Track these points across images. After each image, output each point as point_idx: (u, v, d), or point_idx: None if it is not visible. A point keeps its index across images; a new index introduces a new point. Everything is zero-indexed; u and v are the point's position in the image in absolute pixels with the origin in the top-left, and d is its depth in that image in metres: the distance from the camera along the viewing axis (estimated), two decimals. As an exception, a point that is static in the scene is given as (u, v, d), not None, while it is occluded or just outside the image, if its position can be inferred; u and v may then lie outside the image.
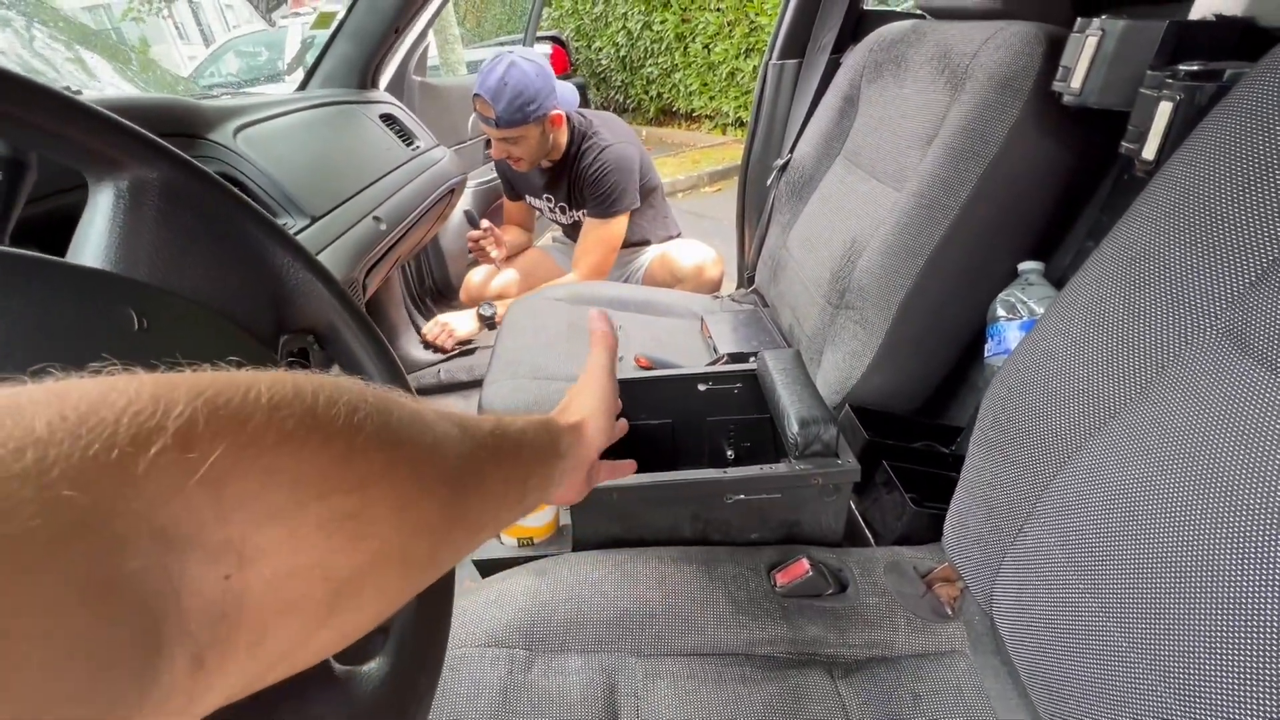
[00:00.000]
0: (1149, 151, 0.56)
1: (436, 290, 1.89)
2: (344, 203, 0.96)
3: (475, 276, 1.76)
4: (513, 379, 1.08)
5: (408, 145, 1.30)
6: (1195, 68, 0.55)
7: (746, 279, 1.54)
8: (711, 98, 5.38)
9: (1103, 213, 0.77)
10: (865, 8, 1.28)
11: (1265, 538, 0.37)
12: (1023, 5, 0.80)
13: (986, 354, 0.82)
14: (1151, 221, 0.49)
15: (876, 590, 0.67)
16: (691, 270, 1.60)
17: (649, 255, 1.70)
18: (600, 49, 6.59)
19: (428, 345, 1.68)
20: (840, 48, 1.29)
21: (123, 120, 0.32)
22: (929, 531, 0.75)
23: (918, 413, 0.97)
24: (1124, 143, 0.60)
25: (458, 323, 1.64)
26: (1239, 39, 0.59)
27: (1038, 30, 0.76)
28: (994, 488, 0.59)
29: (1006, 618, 0.59)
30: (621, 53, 6.28)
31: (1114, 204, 0.75)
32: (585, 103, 6.08)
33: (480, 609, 0.64)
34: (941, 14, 0.96)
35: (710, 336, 1.25)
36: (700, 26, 5.11)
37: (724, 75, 5.10)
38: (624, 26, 6.06)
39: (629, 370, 1.14)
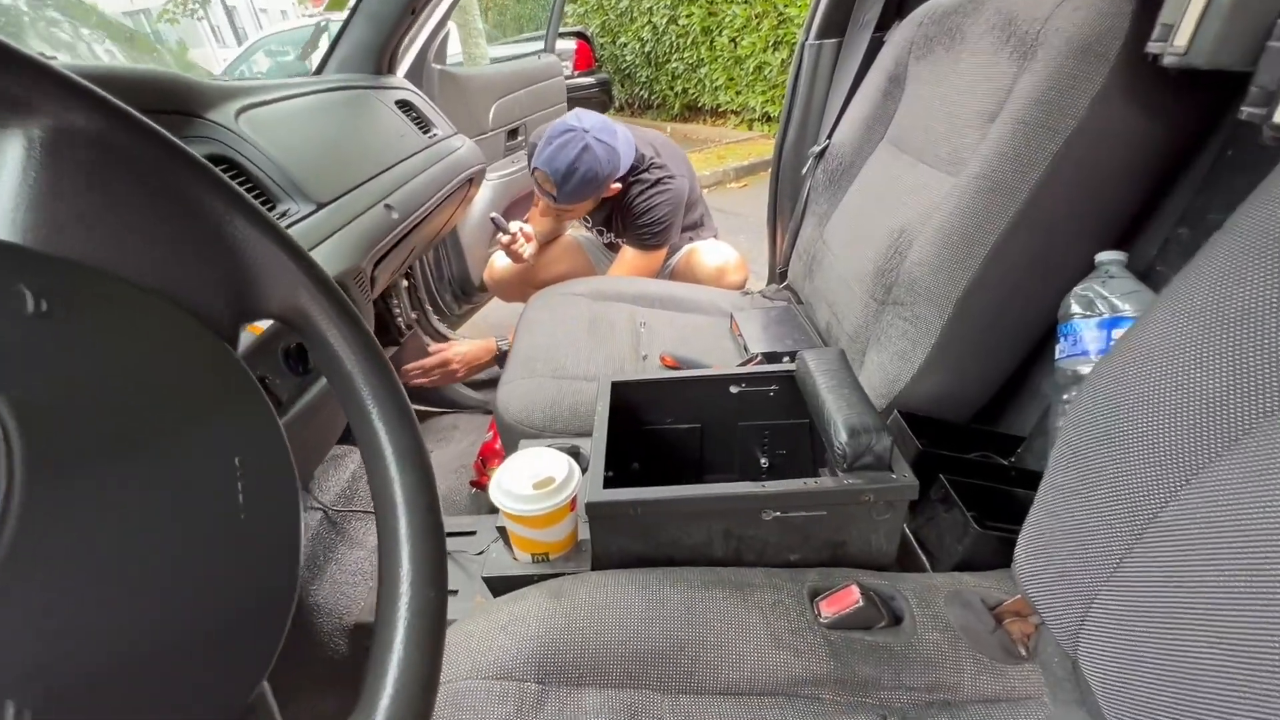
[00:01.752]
0: (1283, 115, 0.47)
1: (455, 285, 1.83)
2: (353, 189, 0.91)
3: (499, 260, 1.69)
4: (530, 377, 1.02)
5: (424, 132, 1.24)
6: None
7: (779, 274, 1.45)
8: (738, 92, 5.28)
9: (1199, 194, 0.68)
10: (913, -20, 1.19)
11: None
12: (1104, -39, 0.70)
13: (1058, 356, 0.73)
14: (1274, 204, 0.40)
15: (937, 624, 0.59)
16: (713, 271, 1.52)
17: (678, 254, 1.63)
18: (625, 44, 6.52)
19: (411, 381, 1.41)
20: (884, 25, 1.19)
21: (36, 56, 0.26)
22: (994, 556, 0.66)
23: (973, 420, 0.88)
24: (1246, 107, 0.51)
25: (461, 350, 1.42)
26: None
27: (1124, -13, 0.67)
28: (1084, 511, 0.50)
29: (1097, 663, 0.50)
30: (646, 48, 6.21)
31: (1216, 183, 0.65)
32: (610, 100, 6.03)
33: (488, 635, 0.57)
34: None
35: (740, 335, 1.17)
36: (727, 20, 5.02)
37: (751, 69, 5.00)
38: (649, 21, 5.99)
39: (654, 371, 1.06)
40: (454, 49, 3.35)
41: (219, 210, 0.32)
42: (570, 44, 5.54)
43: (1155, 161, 0.69)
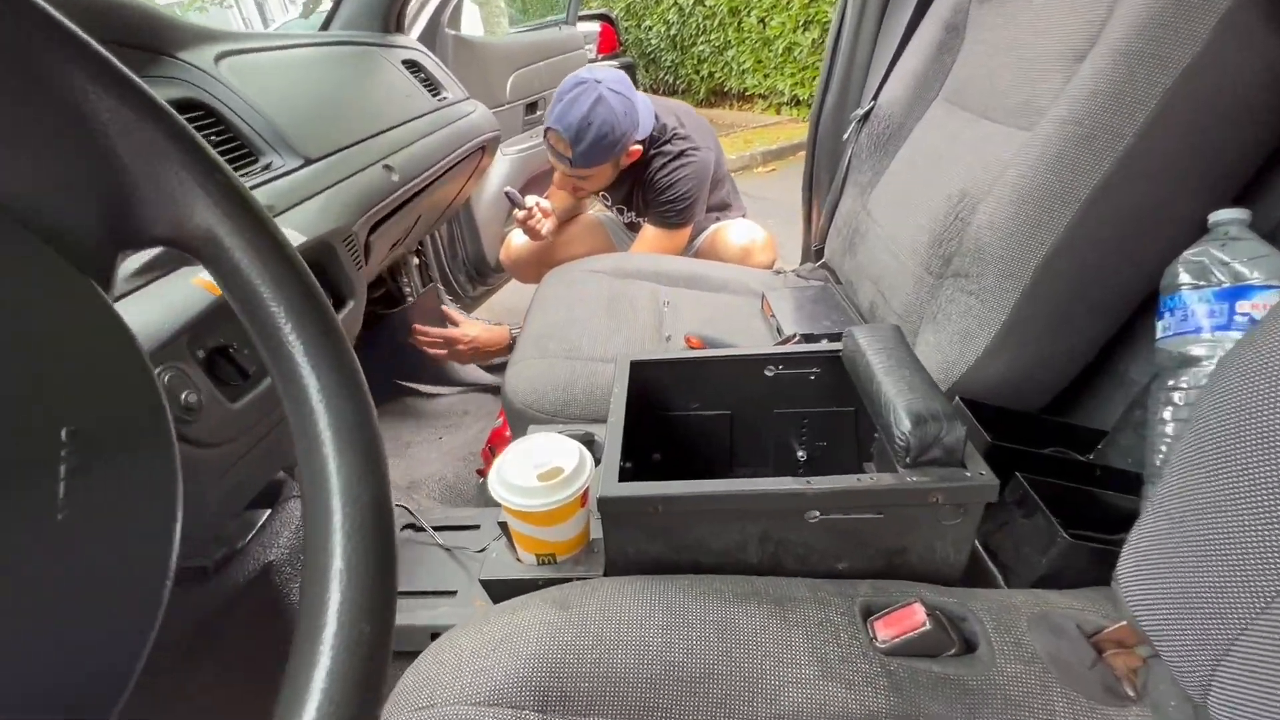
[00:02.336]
0: None
1: (470, 265, 1.75)
2: (348, 147, 0.83)
3: (516, 239, 1.60)
4: (542, 358, 0.93)
5: (434, 95, 1.16)
6: None
7: (814, 253, 1.34)
8: (766, 75, 5.13)
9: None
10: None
11: None
12: None
13: (1160, 335, 0.61)
14: None
15: (1019, 654, 0.48)
16: (739, 251, 1.42)
17: (704, 234, 1.52)
18: (650, 27, 6.39)
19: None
20: (940, -32, 1.07)
21: None
22: (1085, 572, 0.55)
23: (1044, 410, 0.77)
24: None
25: (474, 332, 1.32)
26: None
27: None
28: (1218, 528, 0.40)
29: (1235, 714, 0.39)
30: (672, 31, 6.07)
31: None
32: (634, 84, 5.93)
33: (481, 652, 0.48)
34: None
35: (774, 315, 1.07)
36: (754, 1, 4.85)
37: (780, 51, 4.83)
38: (675, 3, 5.85)
39: (678, 351, 0.97)
40: (477, 30, 3.26)
41: (91, 92, 0.23)
42: (594, 26, 5.42)
43: (1289, 99, 0.57)
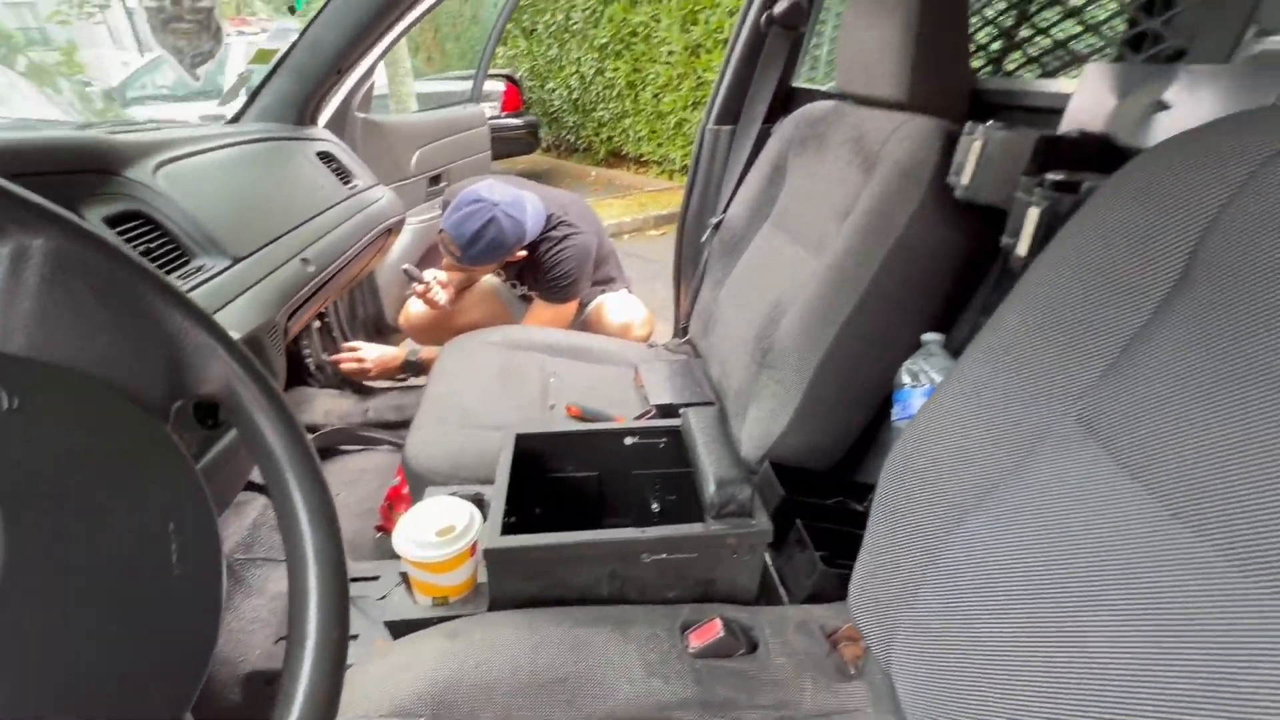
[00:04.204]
0: (1022, 249, 0.62)
1: (369, 326, 1.84)
2: (270, 243, 0.94)
3: (414, 306, 1.73)
4: (440, 425, 1.07)
5: (345, 184, 1.29)
6: (1060, 177, 0.62)
7: (681, 329, 1.58)
8: (660, 144, 5.56)
9: (993, 293, 0.85)
10: (793, 84, 1.38)
11: (1106, 614, 0.41)
12: (925, 102, 0.88)
13: (893, 418, 0.87)
14: (1021, 314, 0.55)
15: (786, 650, 0.69)
16: (619, 328, 1.64)
17: (590, 305, 1.73)
18: (553, 90, 6.73)
19: (339, 376, 1.61)
20: (771, 119, 1.37)
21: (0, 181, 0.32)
22: (838, 590, 0.78)
23: (834, 469, 1.02)
24: (1004, 237, 0.67)
25: (374, 355, 1.56)
26: (1098, 153, 0.67)
27: (937, 126, 0.84)
28: (891, 551, 0.63)
29: (903, 679, 0.61)
30: (574, 95, 6.43)
31: (1002, 286, 0.83)
32: (536, 141, 6.12)
33: (385, 676, 0.62)
34: (858, 100, 1.04)
35: (643, 386, 1.28)
36: (650, 77, 5.31)
37: (672, 124, 5.29)
38: (577, 70, 6.23)
39: (560, 422, 1.14)
40: (381, 82, 3.36)
41: (159, 306, 0.38)
42: (499, 86, 5.68)
43: (962, 264, 0.86)
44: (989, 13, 0.99)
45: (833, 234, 0.96)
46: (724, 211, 1.39)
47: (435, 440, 1.03)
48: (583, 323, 1.72)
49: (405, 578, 0.77)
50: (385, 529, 1.17)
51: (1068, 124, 0.74)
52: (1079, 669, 0.42)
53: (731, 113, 1.40)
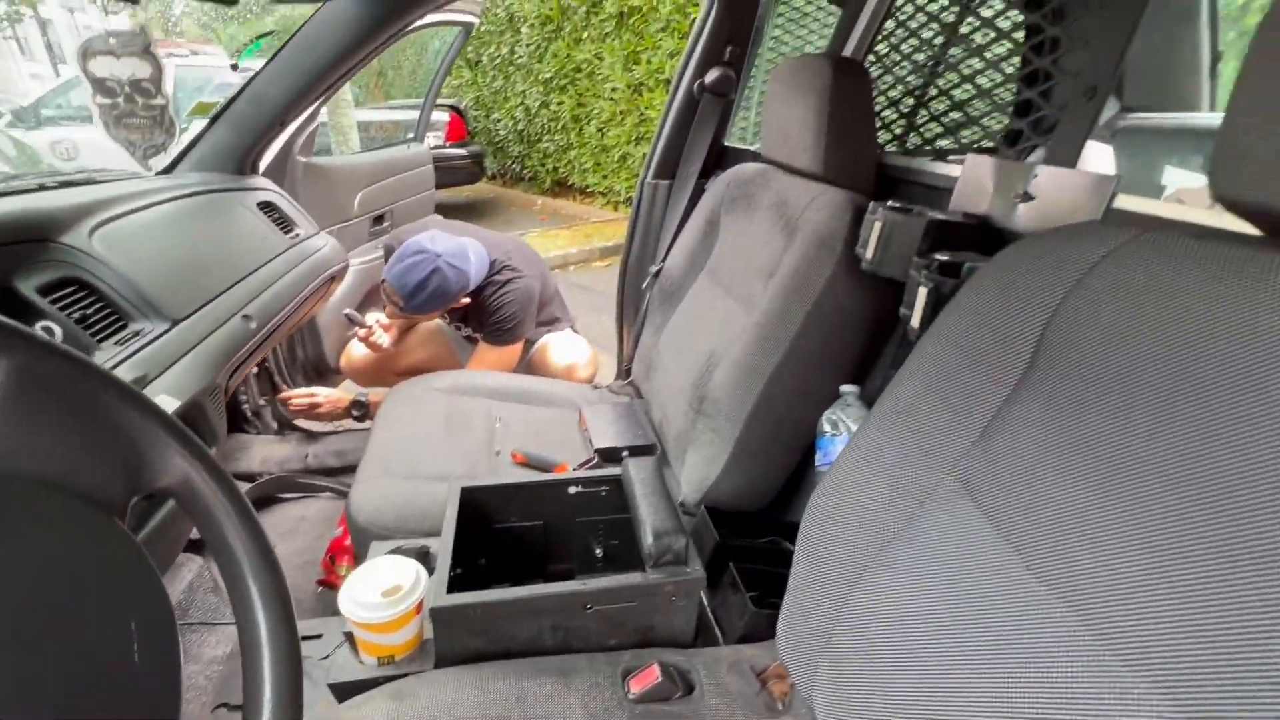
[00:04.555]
0: (915, 322, 0.71)
1: (309, 368, 1.82)
2: (211, 301, 0.95)
3: (356, 349, 1.72)
4: (385, 477, 1.08)
5: (286, 233, 1.29)
6: (946, 258, 0.71)
7: (624, 370, 1.64)
8: (605, 176, 5.68)
9: (899, 349, 0.94)
10: (726, 144, 1.48)
11: (984, 657, 0.48)
12: (837, 175, 0.98)
13: (816, 464, 0.95)
14: (912, 381, 0.63)
15: (720, 690, 0.74)
16: (563, 369, 1.67)
17: (535, 346, 1.76)
18: (499, 120, 6.78)
19: (288, 415, 1.60)
20: (705, 174, 1.46)
21: None
22: (769, 628, 0.83)
23: (766, 509, 1.09)
24: (902, 309, 0.75)
25: (325, 398, 1.58)
26: (979, 234, 0.77)
27: (848, 199, 0.93)
28: (810, 594, 0.69)
29: (824, 714, 0.67)
30: (519, 126, 6.50)
31: (906, 344, 0.92)
32: (481, 170, 6.13)
33: (331, 741, 0.63)
34: (780, 167, 1.14)
35: (587, 429, 1.32)
36: (595, 112, 5.44)
37: (617, 157, 5.42)
38: (522, 103, 6.31)
39: (506, 469, 1.17)
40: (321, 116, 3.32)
41: (116, 407, 0.41)
42: (444, 116, 5.69)
43: (872, 323, 0.95)
44: (893, 94, 1.11)
45: (760, 291, 1.04)
46: (663, 261, 1.47)
47: (380, 493, 1.04)
48: (528, 363, 1.76)
49: (350, 637, 0.78)
50: (328, 583, 1.16)
51: (955, 203, 0.84)
52: (962, 711, 0.48)
53: (668, 168, 1.49)
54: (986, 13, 0.92)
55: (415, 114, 2.49)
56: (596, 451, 1.21)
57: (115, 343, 0.78)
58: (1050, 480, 0.49)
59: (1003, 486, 0.52)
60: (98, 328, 0.77)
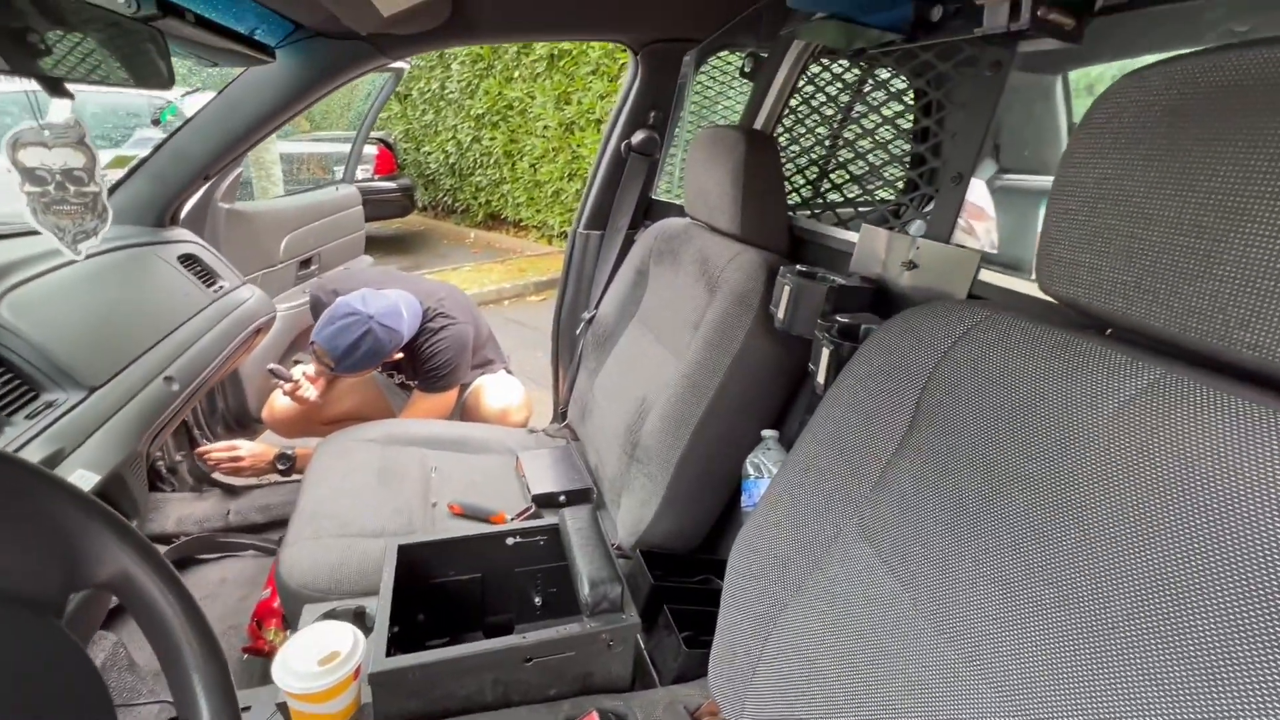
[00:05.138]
0: (820, 379, 0.79)
1: (230, 419, 1.75)
2: (129, 366, 0.92)
3: (280, 400, 1.67)
4: (316, 538, 1.06)
5: (209, 286, 1.26)
6: (846, 321, 0.80)
7: (560, 413, 1.67)
8: (538, 210, 5.73)
9: (812, 396, 1.03)
10: (653, 197, 1.57)
11: (881, 693, 0.54)
12: (752, 236, 1.07)
13: (743, 505, 1.01)
14: (818, 436, 0.70)
15: (656, 733, 0.78)
16: (497, 413, 1.69)
17: (469, 389, 1.77)
18: (429, 153, 6.74)
19: (207, 470, 1.53)
20: (634, 225, 1.54)
21: None
22: (702, 667, 0.88)
23: (699, 549, 1.14)
24: (810, 365, 0.84)
25: (248, 452, 1.50)
26: (874, 297, 0.87)
27: (763, 260, 1.02)
28: (736, 633, 0.74)
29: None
30: (451, 160, 6.48)
31: (818, 395, 1.01)
32: (412, 204, 6.06)
33: (266, 821, 0.62)
34: (702, 224, 1.22)
35: (524, 475, 1.34)
36: (527, 148, 5.51)
37: (550, 192, 5.49)
38: (454, 137, 6.31)
39: (442, 520, 1.17)
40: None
41: (51, 505, 0.41)
42: (372, 149, 5.61)
43: (789, 373, 1.04)
44: (800, 163, 1.23)
45: (687, 341, 1.11)
46: (596, 308, 1.52)
47: (312, 553, 1.02)
48: (462, 406, 1.76)
49: (283, 708, 0.77)
50: (255, 649, 1.12)
51: (854, 266, 0.95)
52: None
53: (599, 220, 1.56)
54: (876, 100, 1.05)
55: (342, 147, 2.47)
56: (534, 499, 1.23)
57: (26, 416, 0.75)
58: (927, 527, 0.56)
59: (892, 532, 0.60)
60: (6, 401, 0.74)
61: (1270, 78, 0.36)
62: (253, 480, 1.59)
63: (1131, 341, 0.48)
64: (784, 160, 1.24)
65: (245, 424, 1.77)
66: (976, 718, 0.45)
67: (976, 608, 0.49)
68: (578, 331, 1.56)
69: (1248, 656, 0.33)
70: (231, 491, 1.56)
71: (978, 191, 1.43)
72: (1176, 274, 0.40)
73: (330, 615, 0.88)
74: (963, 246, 0.80)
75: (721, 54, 1.38)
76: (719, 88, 1.43)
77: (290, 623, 1.03)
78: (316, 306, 1.68)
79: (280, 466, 1.51)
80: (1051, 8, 0.61)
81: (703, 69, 1.43)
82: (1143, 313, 0.43)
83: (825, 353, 0.78)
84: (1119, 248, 0.44)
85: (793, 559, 0.68)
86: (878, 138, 1.01)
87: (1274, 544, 0.34)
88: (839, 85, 1.12)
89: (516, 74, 5.45)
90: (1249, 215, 0.36)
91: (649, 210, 1.56)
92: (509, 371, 1.86)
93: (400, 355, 1.52)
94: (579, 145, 5.10)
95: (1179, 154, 0.40)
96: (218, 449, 1.49)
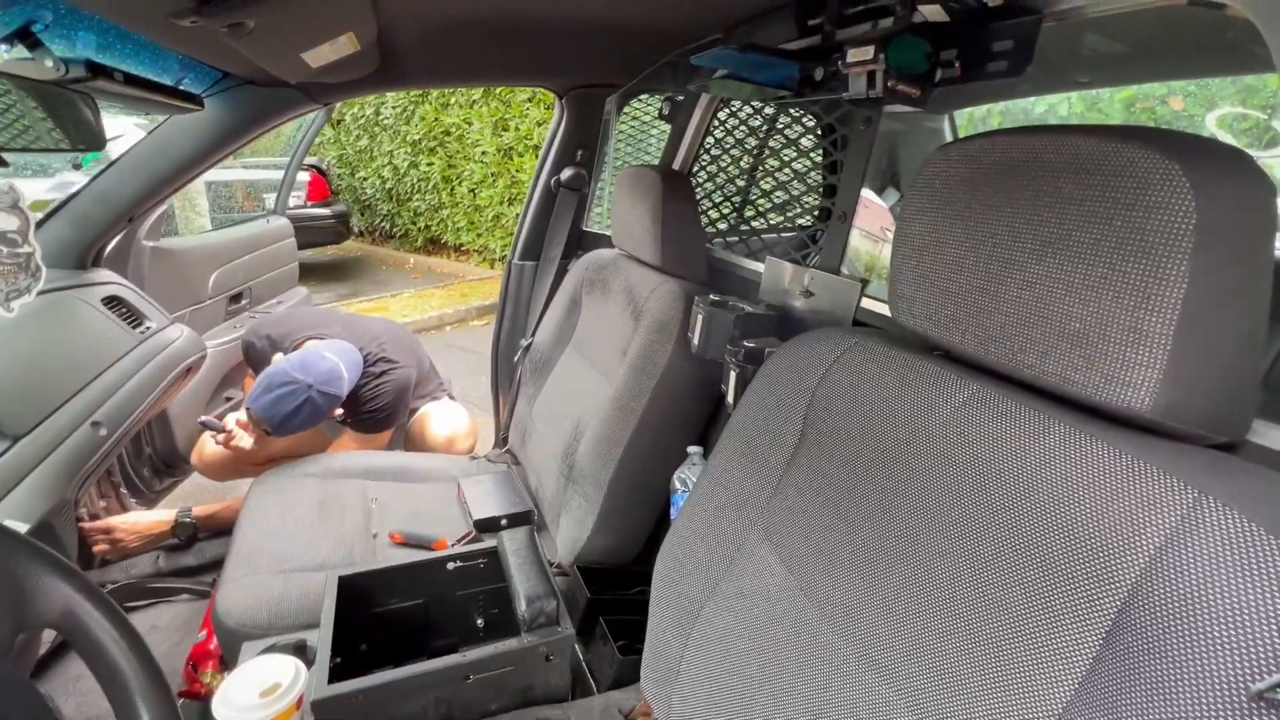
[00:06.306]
0: (730, 399, 0.88)
1: (158, 460, 1.70)
2: (54, 412, 0.92)
3: (210, 444, 1.63)
4: (253, 575, 1.07)
5: (135, 328, 1.25)
6: (751, 345, 0.89)
7: (501, 439, 1.71)
8: (479, 234, 5.73)
9: (728, 414, 1.12)
10: (584, 228, 1.64)
11: (784, 686, 0.61)
12: (673, 267, 1.15)
13: (673, 517, 1.09)
14: (726, 448, 0.78)
15: (592, 736, 0.83)
16: (443, 442, 1.71)
17: (414, 417, 1.78)
18: (365, 178, 6.64)
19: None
20: (568, 255, 1.61)
21: None
22: (636, 672, 0.94)
23: (635, 562, 1.20)
24: (722, 386, 0.92)
25: (128, 524, 1.41)
26: (780, 322, 0.97)
27: (682, 289, 1.11)
28: (662, 633, 0.81)
29: (681, 738, 0.79)
30: (388, 185, 6.41)
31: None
32: (348, 230, 5.92)
33: None
34: (629, 256, 1.31)
35: (465, 501, 1.37)
36: (466, 173, 5.52)
37: (490, 217, 5.51)
38: (390, 162, 6.25)
39: (384, 550, 1.20)
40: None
41: (-1, 554, 0.44)
42: (304, 175, 5.49)
43: (708, 393, 1.12)
44: (717, 197, 1.33)
45: (617, 366, 1.19)
46: (532, 335, 1.58)
47: (249, 591, 1.03)
48: (406, 434, 1.77)
49: (225, 745, 0.78)
50: (192, 694, 1.10)
51: (762, 294, 1.04)
52: None
53: (533, 251, 1.62)
54: (776, 145, 1.16)
55: (273, 174, 2.45)
56: (475, 523, 1.27)
57: (-53, 469, 0.75)
58: (812, 526, 0.65)
59: (787, 533, 0.68)
60: (-73, 455, 0.74)
61: (1026, 160, 0.46)
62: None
63: (960, 361, 0.58)
64: (701, 196, 1.34)
65: (174, 466, 1.72)
66: (855, 689, 0.53)
67: (851, 592, 0.57)
68: (516, 358, 1.61)
69: (1040, 620, 0.43)
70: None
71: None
72: (978, 310, 0.50)
73: (271, 650, 0.89)
74: (851, 277, 0.90)
75: (641, 97, 1.48)
76: (642, 127, 1.53)
77: (228, 663, 1.03)
78: (249, 352, 1.66)
79: (179, 536, 1.45)
80: (900, 79, 0.72)
81: (625, 110, 1.53)
82: (959, 340, 0.53)
83: (733, 375, 0.87)
84: (939, 287, 0.54)
85: (708, 563, 0.76)
86: (779, 178, 1.13)
87: (1050, 523, 0.43)
88: (746, 129, 1.24)
89: (453, 100, 5.47)
90: (1017, 266, 0.46)
91: (581, 241, 1.64)
92: (452, 397, 1.88)
93: (340, 412, 1.52)
94: (518, 170, 5.15)
95: (973, 215, 0.50)
96: (95, 528, 1.37)
